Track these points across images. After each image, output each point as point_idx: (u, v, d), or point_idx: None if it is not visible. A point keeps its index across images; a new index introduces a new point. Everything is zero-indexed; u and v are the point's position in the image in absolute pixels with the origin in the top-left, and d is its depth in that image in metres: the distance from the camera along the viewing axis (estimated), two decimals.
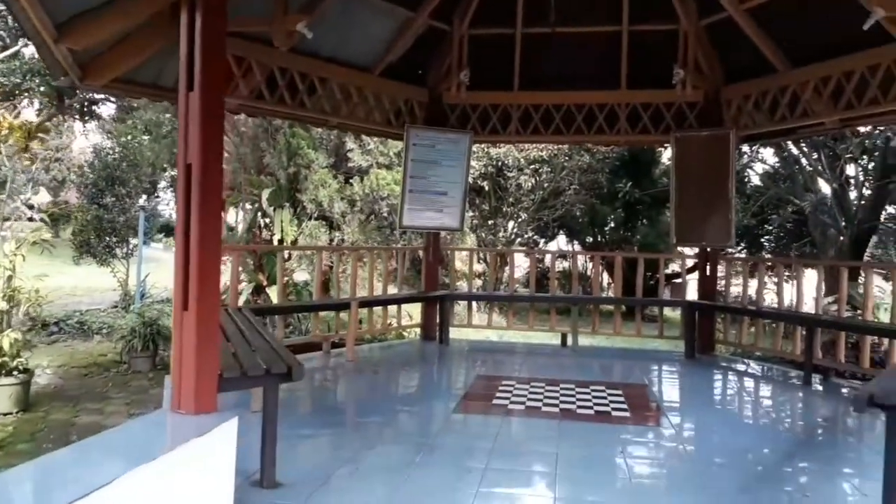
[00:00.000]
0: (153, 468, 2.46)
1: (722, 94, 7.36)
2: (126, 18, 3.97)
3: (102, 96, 14.89)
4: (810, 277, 7.62)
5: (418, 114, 7.85)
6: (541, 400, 5.30)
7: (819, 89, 6.27)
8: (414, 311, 9.25)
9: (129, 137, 15.64)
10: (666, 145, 9.75)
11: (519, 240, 16.49)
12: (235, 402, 4.32)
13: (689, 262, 8.95)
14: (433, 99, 7.86)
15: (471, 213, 14.92)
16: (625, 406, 5.20)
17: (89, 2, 3.88)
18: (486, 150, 14.47)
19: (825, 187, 13.15)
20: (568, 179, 15.35)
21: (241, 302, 8.56)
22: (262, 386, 3.51)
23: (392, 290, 8.50)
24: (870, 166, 12.63)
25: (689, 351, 7.36)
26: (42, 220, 10.81)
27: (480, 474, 3.61)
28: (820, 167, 12.83)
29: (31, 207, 12.94)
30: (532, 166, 15.15)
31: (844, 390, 6.01)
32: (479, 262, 14.35)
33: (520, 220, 16.14)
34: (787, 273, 7.99)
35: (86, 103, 15.64)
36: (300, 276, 11.42)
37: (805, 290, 7.11)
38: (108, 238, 12.17)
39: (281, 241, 11.09)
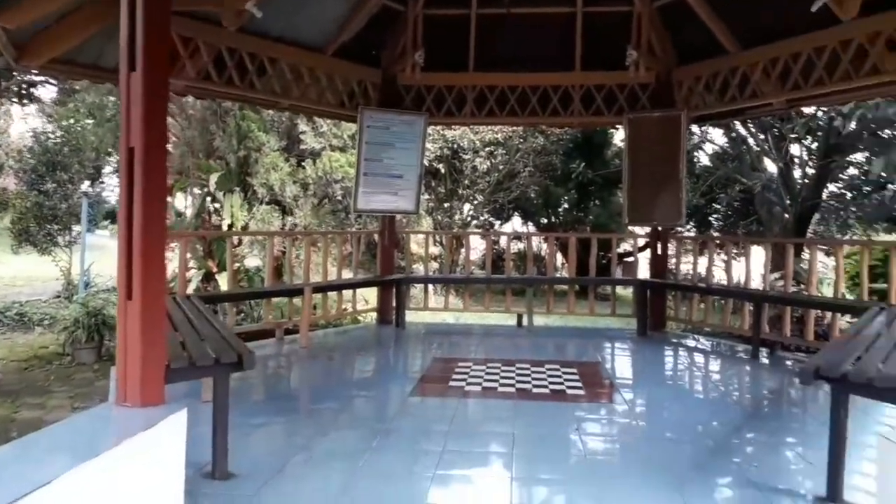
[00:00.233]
0: (98, 464, 2.37)
1: (674, 75, 7.45)
2: None
3: (41, 78, 14.28)
4: (757, 254, 7.83)
5: (372, 95, 7.73)
6: (497, 380, 5.33)
7: (768, 70, 6.40)
8: (370, 296, 9.18)
9: (72, 121, 15.06)
10: (619, 126, 9.87)
11: (475, 222, 16.53)
12: (185, 393, 4.22)
13: (641, 242, 9.10)
14: (387, 80, 7.75)
15: (426, 196, 14.87)
16: (579, 384, 5.27)
17: None
18: (441, 132, 14.41)
19: (771, 167, 13.53)
20: (522, 161, 15.42)
21: (190, 290, 8.37)
22: (211, 376, 3.42)
23: (347, 274, 8.43)
24: (813, 146, 13.04)
25: (641, 328, 7.51)
26: None
27: (437, 457, 3.60)
28: (766, 147, 13.18)
29: None
30: (487, 149, 15.16)
31: (789, 363, 6.21)
32: (435, 244, 14.34)
33: (475, 202, 16.16)
34: (735, 250, 8.19)
35: (24, 85, 14.97)
36: (252, 261, 11.22)
37: (752, 267, 7.31)
38: (49, 226, 11.73)
39: (231, 227, 10.85)
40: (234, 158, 11.87)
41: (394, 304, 7.86)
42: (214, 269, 9.76)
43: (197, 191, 12.53)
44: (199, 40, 5.89)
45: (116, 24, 3.23)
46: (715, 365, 6.59)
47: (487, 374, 5.54)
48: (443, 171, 15.27)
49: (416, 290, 10.78)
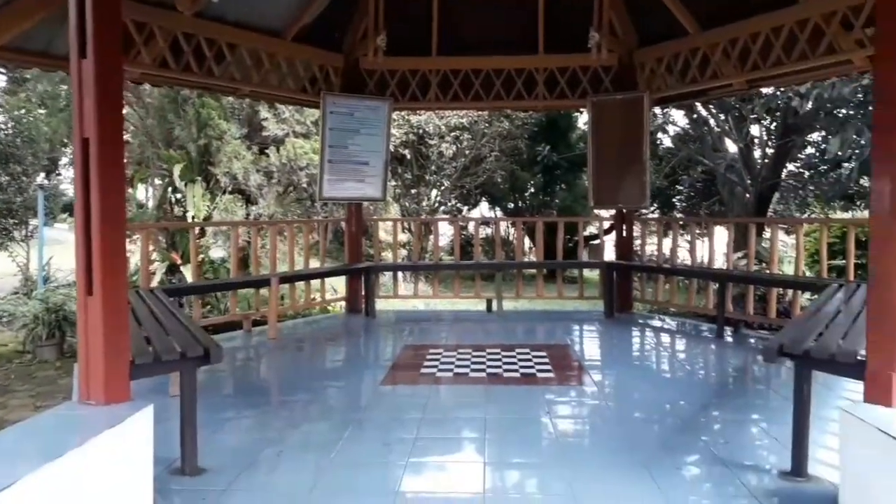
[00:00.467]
0: (63, 464, 2.31)
1: (636, 57, 7.49)
2: None
3: None
4: (720, 234, 7.97)
5: (335, 80, 7.62)
6: (468, 366, 5.34)
7: (727, 51, 6.47)
8: (338, 285, 9.12)
9: (23, 111, 14.54)
10: (583, 110, 9.90)
11: (442, 208, 16.51)
12: (152, 388, 4.15)
13: (607, 224, 9.18)
14: (350, 65, 7.65)
15: (393, 183, 14.78)
16: (549, 367, 5.32)
17: None
18: (406, 117, 14.31)
19: (732, 147, 13.74)
20: (488, 146, 15.42)
21: (154, 283, 8.21)
22: (178, 370, 3.37)
23: (314, 263, 8.34)
24: (772, 126, 13.27)
25: (608, 310, 7.60)
26: None
27: (410, 444, 3.60)
28: (727, 128, 13.37)
29: None
30: (453, 133, 15.11)
31: (753, 341, 6.35)
32: (403, 231, 14.27)
33: (443, 188, 16.13)
34: (698, 231, 8.32)
35: None
36: (216, 252, 11.03)
37: (716, 247, 7.44)
38: (4, 220, 11.35)
39: (194, 218, 10.65)
40: (194, 147, 11.63)
41: (363, 292, 7.82)
42: (178, 261, 9.58)
43: (158, 181, 12.27)
44: (153, 26, 5.73)
45: (65, 8, 3.11)
46: (681, 344, 6.71)
47: (458, 359, 5.55)
48: (409, 156, 15.18)
49: (386, 278, 10.73)
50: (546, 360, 5.54)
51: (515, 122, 15.59)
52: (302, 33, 7.08)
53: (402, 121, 14.32)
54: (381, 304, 8.11)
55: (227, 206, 11.67)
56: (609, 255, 8.58)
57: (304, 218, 12.40)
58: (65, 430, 2.68)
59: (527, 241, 14.11)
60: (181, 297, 7.16)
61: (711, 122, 13.82)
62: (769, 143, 13.32)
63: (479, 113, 14.41)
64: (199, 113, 11.63)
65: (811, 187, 14.06)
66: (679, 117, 15.14)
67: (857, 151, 9.67)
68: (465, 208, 17.83)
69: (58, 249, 11.54)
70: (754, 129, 13.48)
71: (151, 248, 7.47)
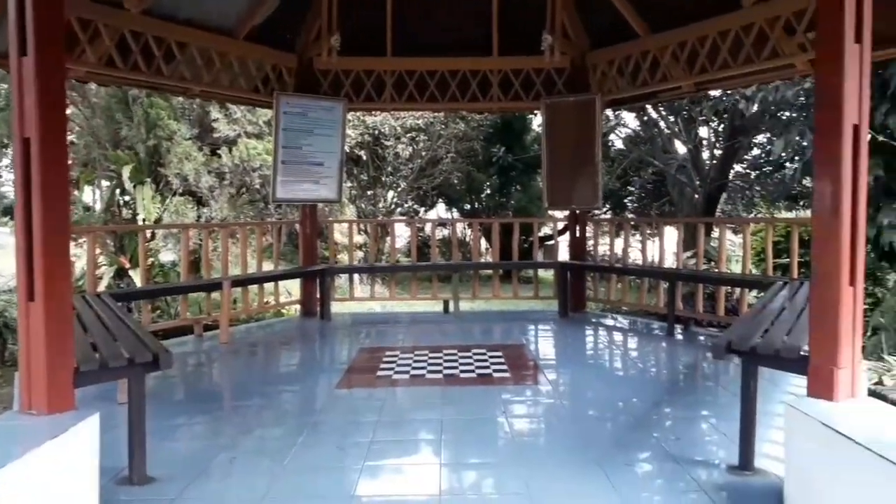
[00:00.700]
0: (1, 478, 2.22)
1: (588, 59, 7.60)
2: None
3: None
4: (670, 234, 8.14)
5: (288, 80, 7.53)
6: (425, 367, 5.34)
7: (676, 54, 6.62)
8: (293, 288, 8.99)
9: None
10: (537, 112, 10.00)
11: (399, 209, 16.45)
12: (99, 396, 4.03)
13: (561, 225, 9.29)
14: (303, 65, 7.56)
15: (349, 184, 14.67)
16: (505, 367, 5.35)
17: None
18: (361, 118, 14.22)
19: (682, 149, 14.08)
20: (445, 147, 15.43)
21: (101, 287, 7.97)
22: (125, 377, 3.27)
23: (267, 266, 8.22)
24: (720, 128, 13.64)
25: (563, 309, 7.69)
26: None
27: (366, 448, 3.58)
28: (677, 130, 13.71)
29: None
30: (409, 135, 15.08)
31: (702, 338, 6.50)
32: (359, 233, 14.18)
33: (399, 189, 16.08)
34: (649, 231, 8.49)
35: None
36: (167, 256, 10.78)
37: (666, 247, 7.59)
38: None
39: (144, 220, 10.38)
40: (143, 148, 11.34)
41: (318, 295, 7.74)
42: (127, 265, 9.32)
43: (106, 183, 11.92)
44: (99, 23, 5.57)
45: (5, 4, 2.99)
46: (633, 343, 6.83)
47: (415, 361, 5.54)
48: (364, 157, 15.09)
49: (341, 281, 10.66)
50: (502, 360, 5.58)
51: (471, 124, 15.65)
52: (254, 32, 6.97)
53: (357, 121, 14.23)
54: (336, 307, 8.04)
55: (178, 208, 11.41)
56: (563, 255, 8.69)
57: (257, 220, 12.20)
58: (4, 441, 2.57)
59: (483, 241, 14.19)
60: (130, 302, 6.97)
61: (662, 124, 14.15)
62: (717, 145, 13.70)
63: (435, 114, 14.41)
64: (147, 113, 11.35)
65: (757, 188, 14.51)
66: (630, 119, 15.46)
67: (800, 153, 9.99)
68: (422, 209, 17.82)
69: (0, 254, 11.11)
70: (703, 131, 13.86)
71: (99, 251, 7.26)
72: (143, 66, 6.01)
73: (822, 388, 2.77)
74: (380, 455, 3.50)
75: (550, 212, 9.64)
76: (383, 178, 15.61)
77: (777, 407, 3.81)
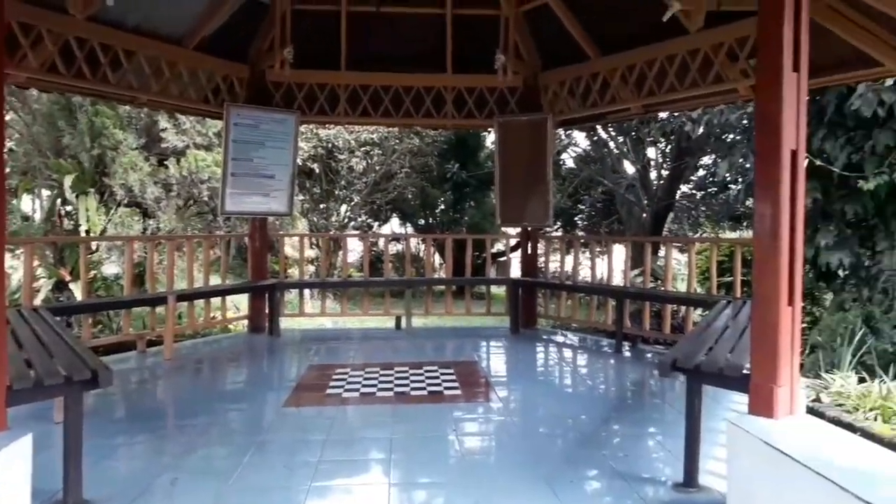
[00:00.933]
0: None
1: (540, 80, 7.73)
2: None
3: None
4: (619, 252, 8.31)
5: (240, 92, 7.42)
6: (375, 385, 5.28)
7: (625, 77, 6.78)
8: (241, 303, 8.81)
9: None
10: (490, 129, 10.09)
11: (352, 223, 16.35)
12: (33, 415, 3.84)
13: (513, 241, 9.37)
14: (256, 76, 7.48)
15: (301, 197, 14.52)
16: (456, 384, 5.34)
17: None
18: (315, 131, 14.13)
19: (630, 169, 14.41)
20: (399, 162, 15.44)
21: (38, 300, 7.65)
22: (62, 395, 3.14)
23: (215, 280, 8.04)
24: (667, 149, 14.03)
25: (514, 326, 7.74)
26: None
27: (314, 468, 3.51)
28: (626, 150, 14.03)
29: None
30: (363, 148, 15.05)
31: (650, 355, 6.62)
32: (311, 247, 14.02)
33: (353, 203, 15.99)
34: (598, 249, 8.64)
35: None
36: (110, 269, 10.42)
37: (614, 265, 7.74)
38: None
39: (88, 232, 10.03)
40: (87, 157, 11.00)
41: (267, 310, 7.60)
42: (67, 278, 8.96)
43: (47, 192, 11.50)
44: (42, 28, 5.42)
45: None
46: (582, 359, 6.91)
47: (366, 379, 5.48)
48: (318, 170, 14.97)
49: (291, 296, 10.50)
50: (454, 377, 5.56)
51: (426, 140, 15.70)
52: (205, 42, 6.86)
53: (310, 134, 14.12)
54: (286, 323, 7.91)
55: (123, 219, 11.08)
56: (516, 271, 8.75)
57: (205, 233, 11.94)
58: None
59: (437, 257, 14.20)
60: (69, 317, 6.71)
61: (611, 144, 14.47)
62: (664, 166, 14.08)
63: (390, 129, 14.42)
64: (92, 121, 11.02)
65: (703, 208, 14.94)
66: (581, 139, 15.76)
67: (743, 175, 10.34)
68: (376, 224, 17.75)
69: None
70: (651, 152, 14.24)
71: (37, 263, 6.98)
72: (87, 74, 5.85)
73: (762, 406, 2.84)
74: (328, 475, 3.44)
75: (504, 228, 9.71)
76: (336, 192, 15.51)
77: (721, 424, 3.89)
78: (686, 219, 15.75)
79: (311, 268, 13.29)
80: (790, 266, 2.84)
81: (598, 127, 13.44)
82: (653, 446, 4.04)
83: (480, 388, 5.36)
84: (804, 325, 6.93)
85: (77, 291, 8.33)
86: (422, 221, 17.77)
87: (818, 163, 7.20)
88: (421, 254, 15.50)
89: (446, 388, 5.21)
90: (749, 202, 11.26)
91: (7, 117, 10.54)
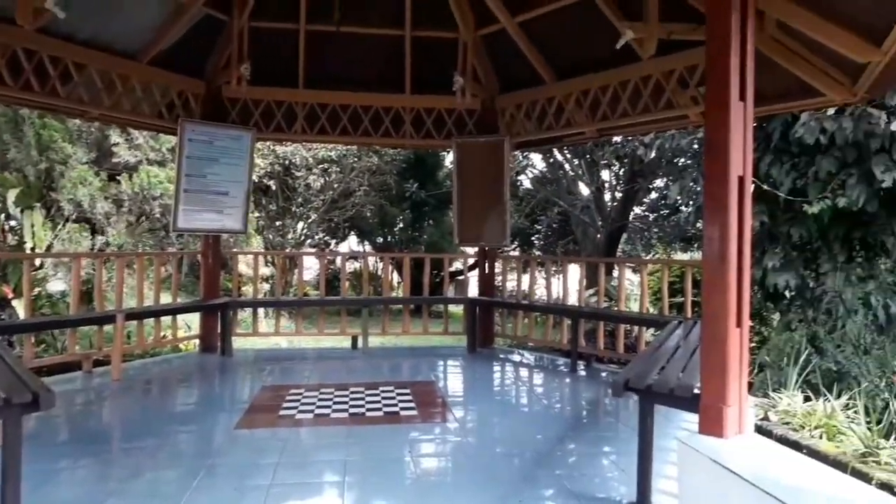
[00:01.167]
0: None
1: (497, 102, 7.83)
2: None
3: None
4: (574, 272, 8.42)
5: (195, 107, 7.32)
6: (330, 406, 5.21)
7: (580, 101, 6.93)
8: (192, 322, 8.61)
9: None
10: (449, 150, 10.17)
11: (309, 241, 16.20)
12: None
13: (471, 261, 9.41)
14: (211, 92, 7.39)
15: (257, 214, 14.32)
16: (413, 404, 5.31)
17: None
18: (272, 147, 14.00)
19: (585, 190, 14.67)
20: (357, 180, 15.39)
21: None
22: (0, 418, 3.00)
23: (166, 299, 7.85)
24: (621, 172, 14.33)
25: (472, 345, 7.76)
26: None
27: (265, 491, 3.44)
28: (581, 172, 14.29)
29: None
30: (321, 166, 14.96)
31: (604, 374, 6.70)
32: (266, 265, 13.82)
33: (310, 220, 15.85)
34: (554, 269, 8.74)
35: None
36: (56, 286, 10.08)
37: (570, 284, 7.84)
38: None
39: (34, 248, 9.69)
40: (33, 171, 10.64)
41: (219, 329, 7.44)
42: (10, 295, 8.64)
43: None
44: None
45: None
46: (538, 379, 6.95)
47: (320, 400, 5.40)
48: (274, 187, 14.82)
49: (245, 315, 10.32)
50: (410, 397, 5.53)
51: (384, 158, 15.71)
52: (161, 57, 6.76)
53: (267, 151, 13.98)
54: (239, 343, 7.76)
55: (71, 235, 10.73)
56: (473, 290, 8.78)
57: (156, 249, 11.67)
58: None
59: (395, 275, 14.15)
60: (11, 336, 6.46)
61: (567, 166, 14.72)
62: (618, 188, 14.37)
63: (348, 147, 14.39)
64: (39, 135, 10.69)
65: (655, 229, 15.27)
66: (538, 161, 15.99)
67: (694, 198, 10.64)
68: (334, 242, 17.62)
69: None
70: (605, 174, 14.53)
71: None
72: (35, 86, 5.70)
73: (711, 425, 2.90)
74: (280, 498, 3.37)
75: (462, 248, 9.75)
76: (293, 209, 15.36)
77: (673, 443, 3.94)
78: (639, 240, 16.07)
79: (266, 286, 13.09)
80: (738, 287, 2.93)
81: (555, 149, 13.66)
82: (607, 465, 4.08)
83: (437, 409, 5.34)
84: (753, 344, 7.12)
85: (20, 309, 8.03)
86: (380, 239, 17.72)
87: (765, 187, 7.45)
88: (379, 272, 15.43)
89: (402, 409, 5.17)
90: (699, 224, 11.57)
91: None
